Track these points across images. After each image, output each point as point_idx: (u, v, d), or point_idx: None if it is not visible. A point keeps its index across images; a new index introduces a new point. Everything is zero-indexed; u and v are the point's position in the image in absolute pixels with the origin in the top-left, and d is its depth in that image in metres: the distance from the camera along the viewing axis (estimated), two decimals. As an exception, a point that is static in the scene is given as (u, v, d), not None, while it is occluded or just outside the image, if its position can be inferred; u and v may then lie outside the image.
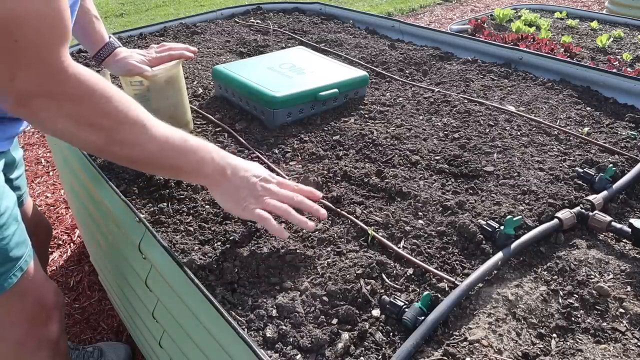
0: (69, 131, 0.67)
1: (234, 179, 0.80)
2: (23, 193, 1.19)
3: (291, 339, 0.68)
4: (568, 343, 0.69)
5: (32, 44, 0.59)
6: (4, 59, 0.58)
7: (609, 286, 0.77)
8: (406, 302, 0.72)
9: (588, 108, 1.35)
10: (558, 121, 1.28)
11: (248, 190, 0.81)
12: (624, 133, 1.21)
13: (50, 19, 0.60)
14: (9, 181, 1.10)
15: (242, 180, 0.81)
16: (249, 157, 1.11)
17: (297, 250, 0.83)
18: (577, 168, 1.05)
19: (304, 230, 0.89)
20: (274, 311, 0.72)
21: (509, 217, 0.85)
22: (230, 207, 0.82)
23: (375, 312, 0.72)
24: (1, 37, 0.57)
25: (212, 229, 0.90)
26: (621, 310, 0.74)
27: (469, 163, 1.07)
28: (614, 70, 1.59)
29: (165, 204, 0.96)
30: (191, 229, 0.90)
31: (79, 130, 0.67)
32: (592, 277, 0.79)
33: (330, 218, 0.92)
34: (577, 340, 0.69)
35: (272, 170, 1.06)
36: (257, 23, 2.11)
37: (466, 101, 1.37)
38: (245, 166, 0.83)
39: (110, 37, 1.15)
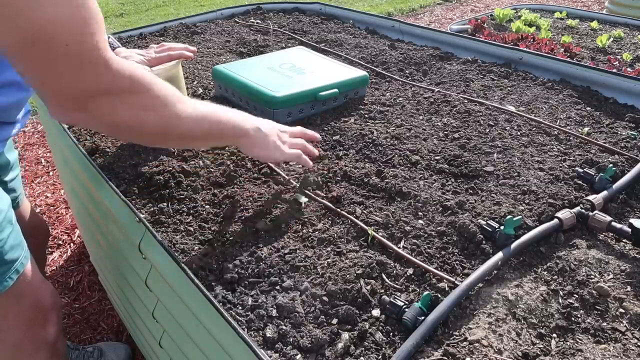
0: (133, 120, 0.70)
1: (266, 130, 0.89)
2: (19, 195, 1.19)
3: (291, 339, 0.68)
4: (568, 343, 0.69)
5: (80, 45, 0.60)
6: (57, 65, 0.59)
7: (609, 286, 0.77)
8: (406, 302, 0.72)
9: (588, 108, 1.35)
10: (558, 121, 1.28)
11: (276, 137, 0.91)
12: (624, 133, 1.21)
13: (87, 17, 0.60)
14: (3, 183, 1.10)
15: (270, 130, 0.91)
16: (249, 157, 1.11)
17: (297, 250, 0.83)
18: (577, 168, 1.05)
19: (304, 230, 0.89)
20: (274, 311, 0.72)
21: (509, 217, 0.85)
22: (269, 155, 0.91)
23: (375, 312, 0.72)
24: (51, 44, 0.57)
25: (212, 229, 0.90)
26: (621, 310, 0.74)
27: (469, 163, 1.07)
28: (614, 70, 1.59)
29: (165, 204, 0.96)
30: (191, 229, 0.90)
31: (142, 116, 0.70)
32: (592, 277, 0.79)
33: (330, 218, 0.92)
34: (577, 340, 0.69)
35: (272, 170, 1.06)
36: (257, 23, 2.11)
37: (466, 101, 1.37)
38: (263, 120, 0.92)
39: (109, 37, 1.14)
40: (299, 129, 0.99)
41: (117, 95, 0.67)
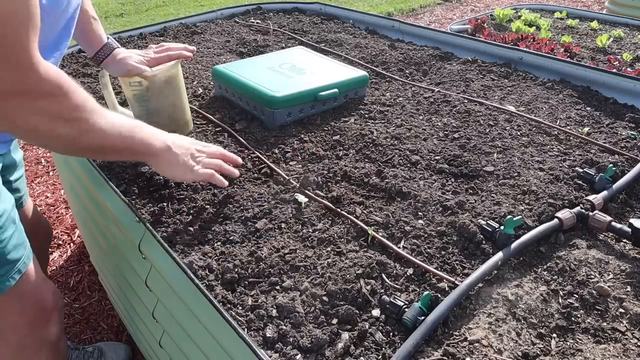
0: (43, 127, 0.68)
1: (177, 150, 0.87)
2: (23, 194, 1.19)
3: (291, 339, 0.68)
4: (568, 343, 0.69)
5: (7, 41, 0.59)
6: None
7: (609, 286, 0.77)
8: (406, 302, 0.72)
9: (588, 108, 1.35)
10: (558, 121, 1.28)
11: (189, 156, 0.89)
12: (624, 133, 1.21)
13: (23, 16, 0.60)
14: (8, 183, 1.10)
15: (182, 149, 0.88)
16: (249, 157, 1.12)
17: (297, 250, 0.83)
18: (577, 168, 1.05)
19: (304, 230, 0.89)
20: (274, 311, 0.72)
21: (509, 217, 0.85)
22: (178, 175, 0.88)
23: (375, 312, 0.72)
24: None
25: (212, 228, 0.90)
26: (621, 310, 0.74)
27: (469, 163, 1.07)
28: (614, 70, 1.59)
29: (165, 204, 0.96)
30: (191, 229, 0.90)
31: (53, 125, 0.68)
32: (592, 277, 0.79)
33: (330, 218, 0.92)
34: (577, 340, 0.69)
35: (272, 170, 1.06)
36: (257, 23, 2.11)
37: (466, 101, 1.37)
38: (179, 137, 0.90)
39: (108, 37, 1.14)
40: (218, 150, 0.96)
41: (34, 99, 0.65)
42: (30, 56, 0.62)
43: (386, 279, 0.78)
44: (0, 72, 0.61)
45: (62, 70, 0.70)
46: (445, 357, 0.66)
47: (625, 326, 0.71)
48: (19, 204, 1.17)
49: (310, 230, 0.89)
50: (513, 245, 0.82)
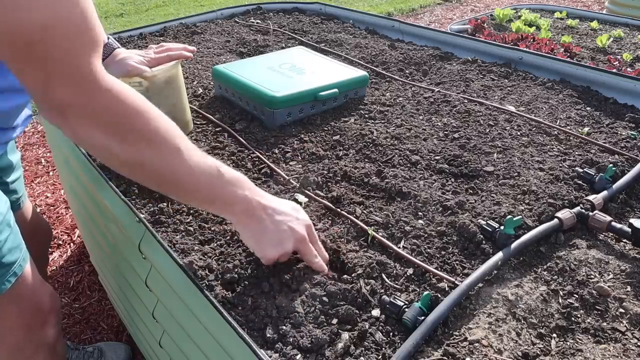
0: (101, 144, 0.65)
1: (268, 221, 0.74)
2: (21, 196, 1.19)
3: (291, 339, 0.68)
4: (568, 343, 0.69)
5: (65, 51, 0.58)
6: (38, 67, 0.58)
7: (609, 286, 0.77)
8: (406, 302, 0.72)
9: (588, 108, 1.35)
10: (558, 121, 1.28)
11: (290, 230, 0.74)
12: (624, 133, 1.21)
13: (82, 26, 0.59)
14: (4, 184, 1.10)
15: (277, 224, 0.74)
16: (249, 157, 1.12)
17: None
18: (577, 168, 1.05)
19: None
20: (274, 311, 0.72)
21: (509, 217, 0.85)
22: (263, 250, 0.75)
23: (375, 312, 0.72)
24: (35, 44, 0.56)
25: (212, 229, 0.90)
26: (621, 310, 0.74)
27: (469, 163, 1.07)
28: (614, 70, 1.59)
29: (165, 204, 0.96)
30: (191, 229, 0.90)
31: (110, 143, 0.65)
32: (592, 277, 0.79)
33: (330, 218, 0.92)
34: (577, 340, 0.69)
35: (272, 171, 1.06)
36: (257, 23, 2.11)
37: (466, 101, 1.37)
38: (283, 208, 0.76)
39: (108, 38, 1.14)
40: (324, 254, 0.80)
41: (93, 113, 0.63)
42: (87, 67, 0.60)
43: (386, 279, 0.78)
44: (60, 82, 0.59)
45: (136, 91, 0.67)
46: (445, 357, 0.66)
47: (625, 326, 0.71)
48: (17, 206, 1.16)
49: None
50: (513, 245, 0.82)
